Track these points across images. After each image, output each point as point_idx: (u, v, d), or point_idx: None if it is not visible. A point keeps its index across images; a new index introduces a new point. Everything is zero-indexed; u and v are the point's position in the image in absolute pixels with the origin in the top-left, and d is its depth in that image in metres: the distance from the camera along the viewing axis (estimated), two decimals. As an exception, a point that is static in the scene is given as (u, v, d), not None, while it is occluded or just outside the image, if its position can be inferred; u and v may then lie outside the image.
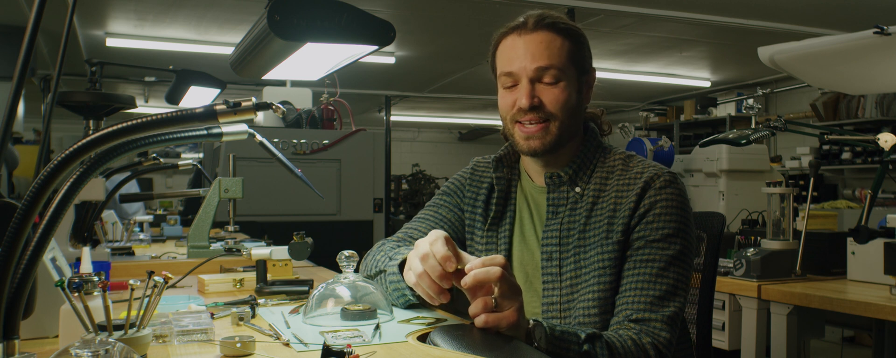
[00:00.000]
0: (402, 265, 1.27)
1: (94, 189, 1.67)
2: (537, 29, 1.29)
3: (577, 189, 1.32)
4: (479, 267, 1.07)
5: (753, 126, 4.49)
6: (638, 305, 1.20)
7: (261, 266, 1.67)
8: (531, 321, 1.09)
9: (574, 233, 1.30)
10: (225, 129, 0.99)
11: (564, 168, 1.33)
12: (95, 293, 1.05)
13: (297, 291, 1.58)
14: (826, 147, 6.75)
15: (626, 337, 1.16)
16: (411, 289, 1.24)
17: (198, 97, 2.96)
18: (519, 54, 1.29)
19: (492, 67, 1.38)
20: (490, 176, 1.45)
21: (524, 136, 1.30)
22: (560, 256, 1.30)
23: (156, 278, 1.01)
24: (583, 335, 1.10)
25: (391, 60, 7.03)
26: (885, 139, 2.34)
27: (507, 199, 1.42)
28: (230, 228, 2.44)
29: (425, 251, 1.11)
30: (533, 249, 1.36)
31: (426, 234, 1.43)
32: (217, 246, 2.22)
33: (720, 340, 2.53)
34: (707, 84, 8.38)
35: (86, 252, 1.30)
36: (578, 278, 1.27)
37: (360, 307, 1.20)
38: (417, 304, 1.30)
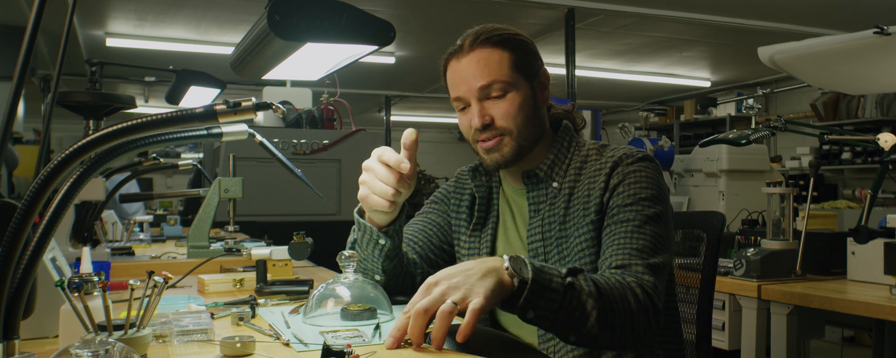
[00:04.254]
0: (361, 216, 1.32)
1: (94, 189, 1.66)
2: (473, 48, 1.31)
3: (555, 184, 1.34)
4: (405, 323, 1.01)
5: (753, 126, 4.48)
6: (617, 256, 1.19)
7: (261, 266, 1.67)
8: (511, 272, 1.03)
9: (555, 225, 1.31)
10: (225, 129, 0.99)
11: (539, 165, 1.35)
12: (95, 293, 1.05)
13: (297, 291, 1.58)
14: (826, 147, 6.75)
15: (609, 276, 1.14)
16: (380, 231, 1.29)
17: (198, 97, 2.96)
18: (462, 77, 1.31)
19: (448, 93, 1.40)
20: (471, 184, 1.47)
21: (484, 151, 1.33)
22: (545, 250, 1.32)
23: (156, 278, 1.01)
24: (564, 270, 1.08)
25: (391, 60, 7.03)
26: (885, 139, 2.34)
27: (489, 204, 1.45)
28: (230, 228, 2.44)
29: (365, 165, 1.19)
30: (517, 250, 1.38)
31: (415, 237, 1.45)
32: (217, 246, 2.22)
33: (720, 340, 2.53)
34: (707, 84, 8.39)
35: (86, 252, 1.30)
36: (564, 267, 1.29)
37: (360, 307, 1.20)
38: (395, 251, 1.32)
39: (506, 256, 1.05)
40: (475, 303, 0.98)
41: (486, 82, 1.28)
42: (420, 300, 1.00)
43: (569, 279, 1.06)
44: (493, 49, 1.30)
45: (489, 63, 1.29)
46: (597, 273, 1.20)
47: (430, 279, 1.03)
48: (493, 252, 1.41)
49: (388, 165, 1.19)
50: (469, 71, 1.30)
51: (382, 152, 1.20)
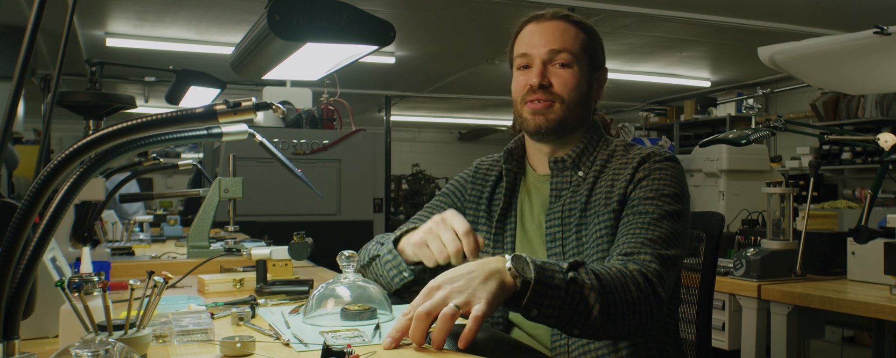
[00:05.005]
0: (395, 242, 1.32)
1: (94, 189, 1.66)
2: (555, 18, 1.37)
3: (580, 173, 1.37)
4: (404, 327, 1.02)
5: (753, 126, 4.48)
6: (628, 244, 1.20)
7: (261, 266, 1.67)
8: (510, 267, 1.04)
9: (575, 212, 1.33)
10: (225, 129, 0.99)
11: (567, 153, 1.38)
12: (95, 293, 1.05)
13: (297, 291, 1.58)
14: (826, 147, 6.75)
15: (611, 265, 1.14)
16: (408, 265, 1.29)
17: (198, 97, 2.95)
18: (535, 39, 1.36)
19: (509, 58, 1.44)
20: (495, 173, 1.49)
21: (531, 110, 1.35)
22: (563, 236, 1.33)
23: (156, 278, 1.01)
24: (565, 265, 1.08)
25: (391, 60, 7.03)
26: (885, 139, 2.34)
27: (513, 192, 1.46)
28: (230, 228, 2.44)
29: (440, 218, 1.18)
30: (532, 239, 1.40)
31: None
32: (217, 246, 2.22)
33: (720, 340, 2.53)
34: (707, 84, 8.38)
35: (86, 252, 1.30)
36: (581, 255, 1.30)
37: (360, 307, 1.20)
38: (413, 282, 1.32)
39: (508, 256, 1.05)
40: (477, 309, 0.98)
41: (558, 47, 1.34)
42: (422, 303, 1.00)
43: (570, 275, 1.06)
44: (572, 25, 1.37)
45: (565, 34, 1.35)
46: (605, 261, 1.21)
47: (433, 283, 1.03)
48: (513, 244, 1.42)
49: (456, 234, 1.17)
50: (544, 34, 1.35)
51: (464, 229, 1.16)
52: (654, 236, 1.21)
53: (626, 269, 1.14)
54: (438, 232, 1.19)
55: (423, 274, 1.31)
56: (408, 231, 1.32)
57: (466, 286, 1.01)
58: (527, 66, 1.37)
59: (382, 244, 1.37)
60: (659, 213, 1.24)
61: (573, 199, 1.35)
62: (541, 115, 1.34)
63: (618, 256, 1.19)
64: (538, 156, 1.44)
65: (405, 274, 1.30)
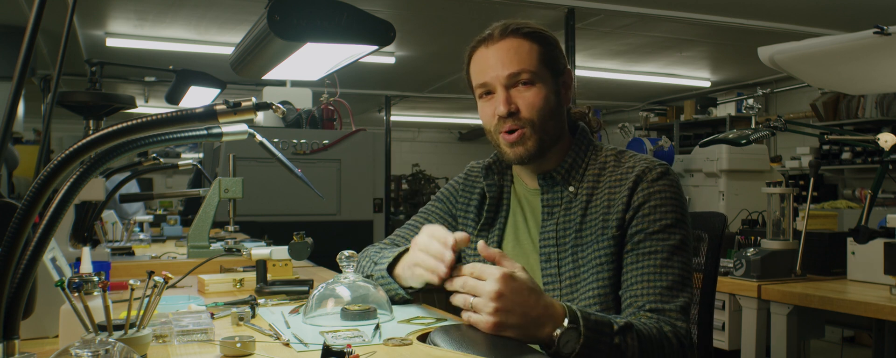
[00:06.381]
0: (389, 269, 1.31)
1: (94, 189, 1.66)
2: (504, 37, 1.31)
3: (571, 188, 1.33)
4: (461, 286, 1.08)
5: (753, 126, 4.49)
6: (650, 295, 1.20)
7: (261, 266, 1.67)
8: (561, 326, 1.05)
9: (570, 232, 1.30)
10: (225, 129, 0.99)
11: (556, 168, 1.34)
12: (95, 293, 1.05)
13: (297, 291, 1.58)
14: (826, 147, 6.75)
15: (650, 325, 1.16)
16: (403, 288, 1.29)
17: (198, 97, 2.95)
18: (490, 64, 1.31)
19: (467, 83, 1.39)
20: (482, 182, 1.46)
21: (508, 143, 1.31)
22: (558, 257, 1.30)
23: (156, 278, 1.01)
24: (616, 327, 1.09)
25: (391, 60, 7.03)
26: (885, 139, 2.34)
27: (499, 204, 1.43)
28: (230, 228, 2.44)
29: (424, 235, 1.19)
30: (528, 252, 1.37)
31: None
32: (217, 246, 2.22)
33: (720, 340, 2.53)
34: (707, 84, 8.38)
35: (86, 252, 1.30)
36: (577, 277, 1.28)
37: (360, 307, 1.20)
38: (411, 300, 1.33)
39: (561, 328, 1.05)
40: (492, 330, 1.04)
41: (516, 70, 1.28)
42: (480, 287, 1.05)
43: (617, 340, 1.08)
44: (523, 40, 1.31)
45: (519, 52, 1.30)
46: (626, 313, 1.22)
47: (505, 280, 1.05)
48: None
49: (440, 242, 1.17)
50: (498, 58, 1.30)
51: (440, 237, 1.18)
52: (671, 281, 1.21)
53: (662, 331, 1.16)
54: (425, 254, 1.18)
55: (418, 292, 1.32)
56: (401, 255, 1.30)
57: (519, 321, 1.04)
58: (489, 93, 1.32)
59: (376, 263, 1.36)
60: (668, 250, 1.23)
61: (567, 217, 1.31)
62: (519, 145, 1.30)
63: (644, 313, 1.19)
64: (525, 170, 1.41)
65: (406, 296, 1.31)
